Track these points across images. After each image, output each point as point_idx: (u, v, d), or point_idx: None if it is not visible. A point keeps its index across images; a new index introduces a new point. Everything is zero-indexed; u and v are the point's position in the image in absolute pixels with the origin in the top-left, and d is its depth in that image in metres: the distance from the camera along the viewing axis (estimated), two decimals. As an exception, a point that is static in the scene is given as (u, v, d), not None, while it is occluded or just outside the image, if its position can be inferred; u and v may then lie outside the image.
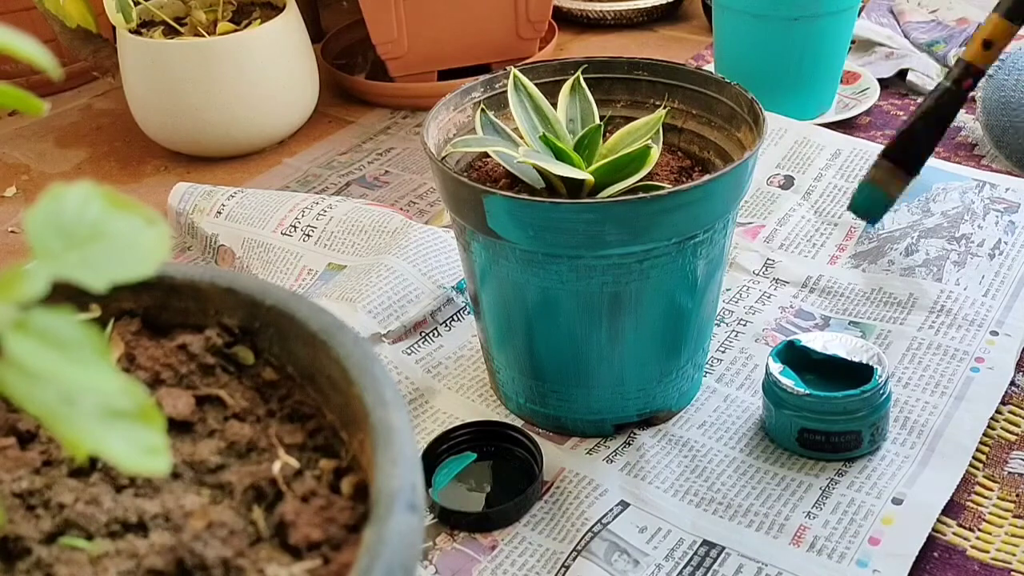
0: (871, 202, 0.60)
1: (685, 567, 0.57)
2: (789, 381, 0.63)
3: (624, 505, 0.61)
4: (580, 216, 0.56)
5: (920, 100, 0.55)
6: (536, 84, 0.65)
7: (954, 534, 0.59)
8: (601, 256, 0.57)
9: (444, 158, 0.63)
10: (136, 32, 1.01)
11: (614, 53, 0.98)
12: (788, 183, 0.90)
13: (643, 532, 0.59)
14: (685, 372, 0.66)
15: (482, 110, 0.66)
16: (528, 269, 0.59)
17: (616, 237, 0.56)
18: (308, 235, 0.85)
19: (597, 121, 0.64)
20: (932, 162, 0.90)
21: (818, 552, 0.57)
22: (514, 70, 0.65)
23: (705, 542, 0.59)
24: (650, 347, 0.63)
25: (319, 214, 0.86)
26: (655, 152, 0.61)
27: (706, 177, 0.57)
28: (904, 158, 0.58)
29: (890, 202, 0.59)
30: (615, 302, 0.60)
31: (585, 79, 0.67)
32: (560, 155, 0.61)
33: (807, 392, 0.62)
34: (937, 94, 0.57)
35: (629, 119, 0.67)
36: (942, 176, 0.88)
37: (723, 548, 0.58)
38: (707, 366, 0.71)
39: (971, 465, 0.63)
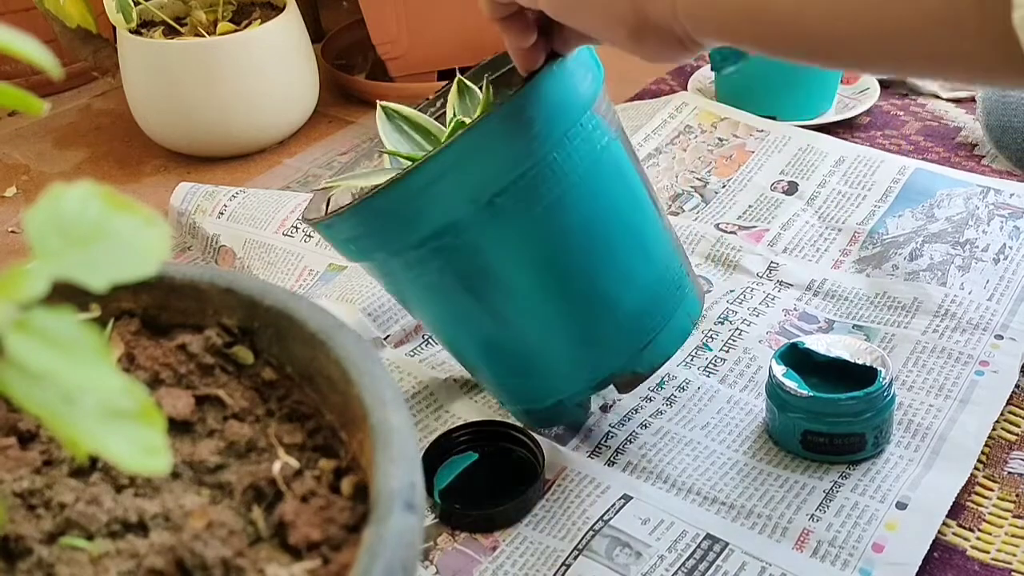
0: None
1: (688, 559, 0.57)
2: (793, 383, 0.63)
3: (627, 499, 0.61)
4: (348, 224, 0.56)
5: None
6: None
7: (954, 534, 0.59)
8: (413, 249, 0.56)
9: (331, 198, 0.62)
10: (136, 32, 1.01)
11: (614, 53, 0.97)
12: (792, 189, 0.90)
13: (646, 524, 0.59)
14: (652, 316, 0.61)
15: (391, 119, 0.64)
16: (398, 277, 0.59)
17: (397, 230, 0.55)
18: (309, 236, 0.85)
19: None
20: (935, 168, 0.91)
21: (821, 558, 0.57)
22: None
23: (709, 535, 0.59)
24: (562, 306, 0.59)
25: (320, 214, 0.86)
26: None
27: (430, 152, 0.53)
28: None
29: None
30: (469, 285, 0.57)
31: (494, 74, 0.65)
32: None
33: (811, 394, 0.62)
34: None
35: None
36: (946, 182, 0.88)
37: (727, 543, 0.58)
38: (710, 367, 0.71)
39: (972, 466, 0.62)
